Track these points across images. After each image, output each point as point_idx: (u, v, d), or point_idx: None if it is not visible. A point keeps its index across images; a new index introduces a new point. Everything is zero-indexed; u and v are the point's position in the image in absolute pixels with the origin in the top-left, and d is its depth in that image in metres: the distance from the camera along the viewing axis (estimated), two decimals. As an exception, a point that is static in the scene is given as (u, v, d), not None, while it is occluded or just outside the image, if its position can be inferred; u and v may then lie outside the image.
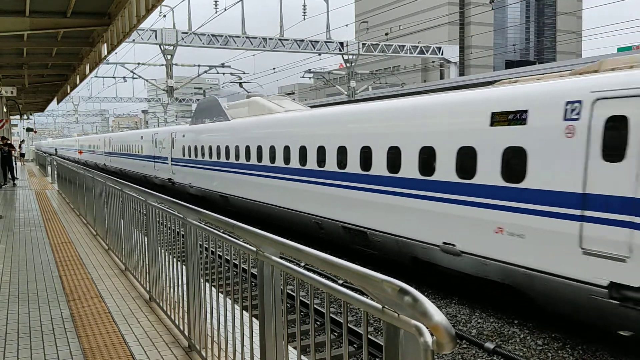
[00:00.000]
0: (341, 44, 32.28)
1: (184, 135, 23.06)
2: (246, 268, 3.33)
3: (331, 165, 12.66)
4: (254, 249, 3.12)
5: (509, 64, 58.88)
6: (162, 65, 29.92)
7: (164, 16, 27.64)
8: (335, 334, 8.25)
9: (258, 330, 3.17)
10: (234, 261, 3.74)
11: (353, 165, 11.81)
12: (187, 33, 27.86)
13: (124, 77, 43.82)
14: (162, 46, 27.52)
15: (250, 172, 16.90)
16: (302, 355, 2.73)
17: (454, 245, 9.13)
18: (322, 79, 41.09)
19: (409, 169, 10.16)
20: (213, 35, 28.76)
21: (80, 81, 20.20)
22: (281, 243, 2.85)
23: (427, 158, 9.75)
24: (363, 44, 33.44)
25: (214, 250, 3.83)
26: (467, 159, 8.91)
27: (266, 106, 17.97)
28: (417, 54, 35.48)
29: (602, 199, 6.91)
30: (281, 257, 2.97)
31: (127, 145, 33.23)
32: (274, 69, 40.61)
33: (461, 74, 62.82)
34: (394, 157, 10.58)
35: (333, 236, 12.95)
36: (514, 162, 8.14)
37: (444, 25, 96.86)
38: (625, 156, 6.69)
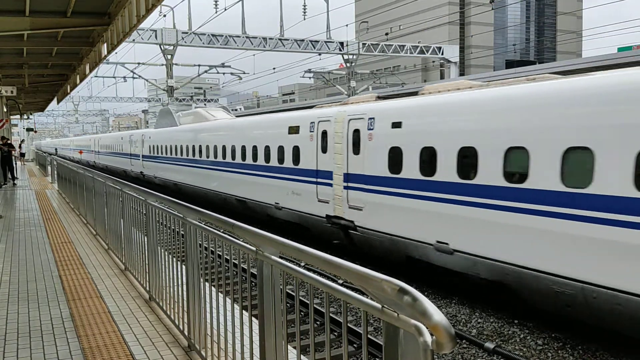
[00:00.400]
0: (341, 43, 32.26)
1: (150, 137, 28.43)
2: (246, 268, 3.32)
3: (228, 157, 18.66)
4: (254, 248, 3.11)
5: (509, 64, 58.83)
6: (162, 65, 29.91)
7: (164, 16, 27.67)
8: (335, 333, 8.25)
9: (258, 330, 3.17)
10: (233, 261, 3.74)
11: (238, 157, 17.85)
12: (187, 33, 27.85)
13: (124, 77, 43.78)
14: (162, 46, 27.51)
15: (187, 164, 22.81)
16: (301, 355, 2.73)
17: (278, 203, 15.25)
18: (322, 78, 41.07)
19: (261, 158, 16.34)
20: (213, 35, 28.75)
21: (81, 81, 20.20)
22: (281, 243, 2.84)
23: (267, 152, 15.90)
24: (363, 43, 33.42)
25: (213, 250, 3.83)
26: (281, 152, 15.09)
27: (203, 115, 23.51)
28: (417, 53, 35.46)
29: (322, 173, 13.05)
30: (281, 257, 2.96)
31: (111, 145, 39.58)
32: (274, 68, 40.61)
33: (461, 73, 62.79)
34: (254, 151, 16.75)
35: (232, 206, 18.73)
36: (296, 154, 14.30)
37: (444, 25, 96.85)
38: (327, 150, 12.82)
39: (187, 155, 22.87)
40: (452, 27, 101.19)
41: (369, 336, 7.51)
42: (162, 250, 5.19)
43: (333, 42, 31.96)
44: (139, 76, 39.21)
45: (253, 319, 3.29)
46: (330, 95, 68.74)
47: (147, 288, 5.90)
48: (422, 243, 9.99)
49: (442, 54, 36.55)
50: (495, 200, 8.54)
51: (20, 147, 42.47)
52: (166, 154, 25.81)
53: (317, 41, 31.31)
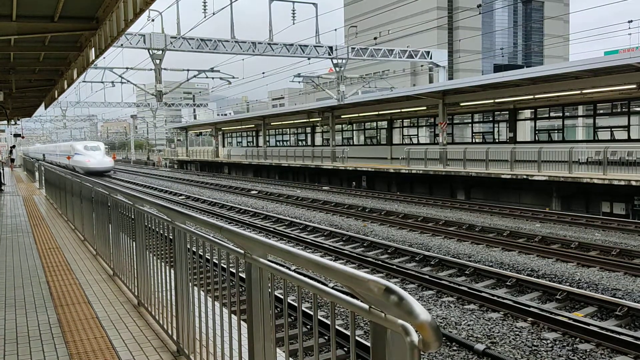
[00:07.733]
0: (330, 48, 32.29)
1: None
2: (234, 272, 3.32)
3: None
4: (242, 251, 3.10)
5: (497, 68, 59.24)
6: (151, 69, 29.78)
7: (152, 21, 27.55)
8: (325, 337, 8.23)
9: (247, 334, 3.16)
10: (222, 265, 3.74)
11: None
12: (175, 37, 27.77)
13: (113, 82, 43.52)
14: (150, 51, 27.39)
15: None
16: (290, 359, 2.72)
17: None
18: (311, 83, 41.08)
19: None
20: (202, 40, 28.68)
21: (68, 86, 20.03)
22: (269, 245, 2.83)
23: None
24: (352, 48, 33.47)
25: (202, 253, 3.82)
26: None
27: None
28: (406, 58, 35.53)
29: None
30: (269, 260, 2.96)
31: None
32: (263, 73, 40.61)
33: (450, 77, 63.08)
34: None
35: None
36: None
37: (433, 30, 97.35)
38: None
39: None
40: (441, 31, 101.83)
41: (358, 339, 7.50)
42: (151, 255, 5.17)
43: (322, 46, 31.99)
44: (128, 81, 39.05)
45: (242, 322, 3.29)
46: (319, 99, 68.74)
47: (136, 293, 5.86)
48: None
49: (431, 58, 36.68)
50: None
51: (10, 152, 42.09)
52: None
53: (307, 46, 31.32)
